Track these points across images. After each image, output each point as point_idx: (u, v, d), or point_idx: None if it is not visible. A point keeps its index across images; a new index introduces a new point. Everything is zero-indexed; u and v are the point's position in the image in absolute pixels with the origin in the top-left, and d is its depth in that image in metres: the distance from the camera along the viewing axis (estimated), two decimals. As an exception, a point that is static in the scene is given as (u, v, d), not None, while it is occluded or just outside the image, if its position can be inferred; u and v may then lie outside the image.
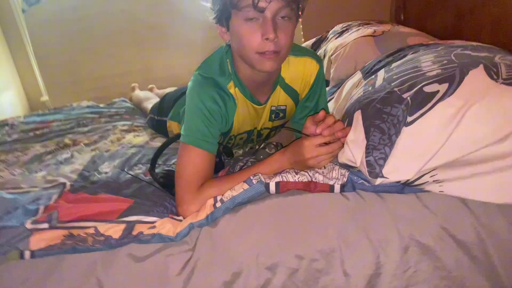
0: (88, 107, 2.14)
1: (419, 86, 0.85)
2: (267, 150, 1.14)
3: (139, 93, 2.21)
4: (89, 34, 2.97)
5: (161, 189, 1.03)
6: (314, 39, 2.02)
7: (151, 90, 2.35)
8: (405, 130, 0.82)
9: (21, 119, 2.02)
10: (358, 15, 2.10)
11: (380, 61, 1.26)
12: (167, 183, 1.04)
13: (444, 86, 0.83)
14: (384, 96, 0.89)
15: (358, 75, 1.31)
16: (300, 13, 0.94)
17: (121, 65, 2.99)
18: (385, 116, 0.85)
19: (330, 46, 1.69)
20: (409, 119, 0.83)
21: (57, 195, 1.05)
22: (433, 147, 0.80)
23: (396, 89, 0.89)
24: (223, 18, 0.93)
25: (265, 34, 0.87)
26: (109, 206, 0.94)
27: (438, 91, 0.83)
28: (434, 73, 0.87)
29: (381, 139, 0.83)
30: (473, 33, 1.47)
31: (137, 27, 2.95)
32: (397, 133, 0.82)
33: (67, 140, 1.55)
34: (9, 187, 1.15)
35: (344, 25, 1.85)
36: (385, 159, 0.82)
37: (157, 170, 1.13)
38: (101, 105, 2.17)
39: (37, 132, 1.78)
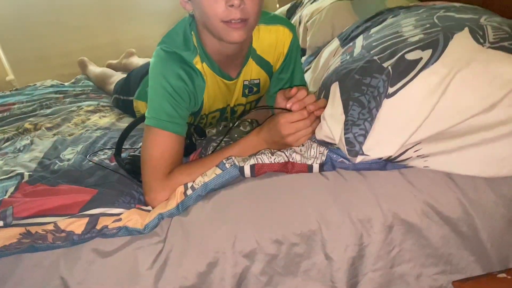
0: (52, 86, 2.01)
1: (401, 53, 0.78)
2: (241, 128, 1.07)
3: (94, 70, 2.05)
4: (52, 7, 2.78)
5: (127, 177, 0.96)
6: (288, 5, 1.92)
7: (131, 54, 2.19)
8: (386, 103, 0.76)
9: (-21, 102, 1.89)
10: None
11: (358, 26, 1.18)
12: (133, 169, 0.96)
13: (428, 53, 0.76)
14: (363, 65, 0.82)
15: (336, 42, 1.24)
16: None
17: (88, 38, 2.82)
18: (364, 88, 0.79)
19: (305, 12, 1.60)
20: (391, 90, 0.76)
21: (13, 188, 0.96)
22: (417, 119, 0.74)
23: (375, 57, 0.82)
24: None
25: (229, 1, 0.78)
26: (70, 198, 0.86)
27: (421, 58, 0.76)
28: (416, 38, 0.80)
29: (361, 114, 0.77)
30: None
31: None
32: (378, 106, 0.76)
33: (27, 125, 1.43)
34: (-40, 179, 1.05)
35: (319, -11, 1.75)
36: (365, 135, 0.76)
37: (123, 155, 1.05)
38: (66, 84, 2.04)
39: (-3, 117, 1.67)
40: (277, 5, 2.26)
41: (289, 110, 0.84)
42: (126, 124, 1.34)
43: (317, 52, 1.38)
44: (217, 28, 0.83)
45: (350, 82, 0.81)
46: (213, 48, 0.93)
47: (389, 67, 0.77)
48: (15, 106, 1.75)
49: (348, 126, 0.77)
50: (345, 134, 0.77)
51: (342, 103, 0.80)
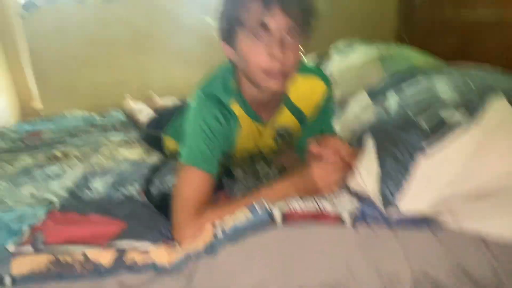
0: (81, 117, 2.07)
1: (437, 113, 0.81)
2: (270, 173, 1.08)
3: (132, 104, 2.13)
4: (86, 41, 2.91)
5: (156, 212, 0.97)
6: (315, 55, 1.98)
7: (150, 97, 2.28)
8: (421, 159, 0.77)
9: (11, 127, 1.95)
10: (361, 33, 2.07)
11: (387, 82, 1.22)
12: (162, 205, 0.98)
13: (464, 115, 0.78)
14: (399, 121, 0.84)
15: (365, 96, 1.27)
16: (309, 31, 0.89)
17: (117, 73, 2.92)
18: (400, 143, 0.80)
19: (333, 64, 1.65)
20: (427, 148, 0.78)
21: (44, 214, 0.98)
22: (451, 179, 0.75)
23: (411, 114, 0.84)
24: (229, 35, 0.89)
25: (271, 53, 0.82)
26: (100, 229, 0.88)
27: (457, 120, 0.78)
28: (452, 99, 0.83)
29: (396, 168, 0.78)
30: (481, 57, 1.44)
31: (135, 35, 2.90)
32: (413, 162, 0.77)
33: (57, 153, 1.47)
34: (-8, 202, 1.07)
35: (347, 43, 1.81)
36: (399, 190, 0.77)
37: (152, 190, 1.07)
38: (95, 115, 2.11)
39: (27, 142, 1.71)
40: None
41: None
42: (154, 159, 1.38)
43: (343, 104, 1.41)
44: (258, 77, 0.87)
45: (386, 137, 0.83)
46: (249, 93, 0.97)
47: (425, 125, 0.79)
48: (45, 133, 1.80)
49: (382, 179, 0.78)
50: (379, 187, 0.77)
51: (376, 156, 0.82)
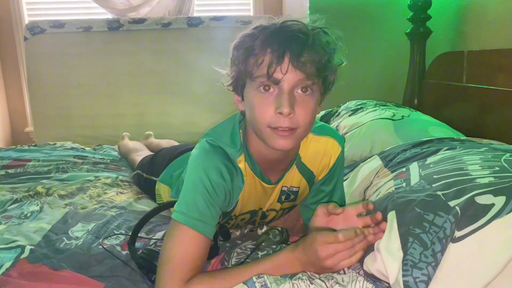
0: (72, 149, 1.96)
1: (470, 194, 0.72)
2: (270, 236, 0.97)
3: (128, 143, 2.03)
4: (88, 70, 2.86)
5: (138, 274, 0.84)
6: (323, 112, 1.92)
7: (147, 137, 2.19)
8: (452, 247, 0.67)
9: (-4, 152, 1.83)
10: (371, 94, 2.04)
11: (404, 150, 1.14)
12: (147, 265, 0.86)
13: (501, 200, 0.69)
14: (425, 199, 0.75)
15: (377, 161, 1.19)
16: (326, 87, 0.82)
17: (115, 106, 2.85)
18: (427, 225, 0.70)
19: (343, 123, 1.58)
20: (458, 233, 0.68)
21: (10, 263, 0.85)
22: (487, 272, 0.65)
23: (439, 192, 0.75)
24: (238, 86, 0.83)
25: (278, 108, 0.75)
26: (71, 291, 0.75)
27: (493, 205, 0.69)
28: (486, 181, 0.74)
29: (423, 255, 0.67)
30: (499, 130, 1.37)
31: (138, 70, 2.86)
32: (443, 250, 0.67)
33: (39, 188, 1.34)
34: (-45, 241, 0.94)
35: (358, 103, 1.76)
36: (427, 282, 0.66)
37: (137, 244, 0.95)
38: (87, 149, 2.00)
39: (9, 171, 1.59)
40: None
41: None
42: (144, 206, 1.27)
43: (353, 166, 1.33)
44: (264, 133, 0.79)
45: (410, 215, 0.73)
46: (258, 150, 0.88)
47: (457, 208, 0.70)
48: (31, 163, 1.69)
49: (407, 267, 0.67)
50: (403, 276, 0.67)
51: (399, 237, 0.71)
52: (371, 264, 0.74)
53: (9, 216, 1.13)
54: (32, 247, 0.93)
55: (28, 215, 1.14)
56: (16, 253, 0.90)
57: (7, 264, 0.85)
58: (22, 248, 0.92)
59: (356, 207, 0.83)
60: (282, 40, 0.74)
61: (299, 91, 0.77)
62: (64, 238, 0.99)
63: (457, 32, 1.82)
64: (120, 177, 1.53)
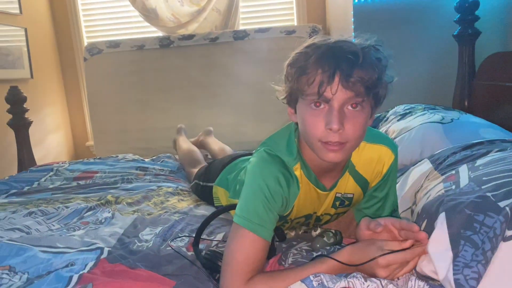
0: (133, 160, 2.11)
1: (519, 194, 0.74)
2: (325, 238, 1.03)
3: (182, 145, 2.14)
4: (142, 86, 3.05)
5: (204, 273, 0.93)
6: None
7: (208, 133, 2.30)
8: (503, 246, 0.70)
9: (66, 165, 2.01)
10: (419, 98, 2.03)
11: (454, 153, 1.15)
12: (211, 265, 0.94)
13: (552, 199, 0.71)
14: (475, 200, 0.77)
15: (427, 164, 1.21)
16: (377, 101, 0.86)
17: (167, 119, 3.02)
18: (477, 225, 0.73)
19: (392, 128, 1.60)
20: (508, 233, 0.70)
21: (93, 262, 0.97)
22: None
23: (489, 194, 0.77)
24: (292, 100, 0.89)
25: (328, 124, 0.80)
26: (148, 287, 0.84)
27: (544, 204, 0.71)
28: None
29: (474, 255, 0.70)
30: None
31: (188, 84, 3.01)
32: (494, 248, 0.70)
33: (109, 197, 1.49)
34: (44, 244, 1.07)
35: (406, 107, 1.77)
36: (478, 279, 0.69)
37: (200, 245, 1.04)
38: (146, 160, 2.14)
39: (80, 182, 1.75)
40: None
41: None
42: (203, 211, 1.36)
43: (403, 170, 1.35)
44: (315, 146, 0.85)
45: (460, 217, 0.76)
46: (311, 159, 0.94)
47: (507, 208, 0.72)
48: (98, 175, 1.85)
49: (459, 266, 0.70)
50: (454, 274, 0.70)
51: (449, 237, 0.75)
52: (423, 266, 0.77)
53: (86, 222, 1.27)
54: (110, 248, 1.05)
55: (103, 221, 1.27)
56: (96, 254, 1.02)
57: (91, 264, 0.97)
58: (101, 249, 1.04)
59: (401, 222, 0.85)
60: (333, 60, 0.78)
61: (349, 107, 0.81)
62: (136, 240, 1.10)
63: (507, 32, 1.79)
64: (180, 187, 1.65)
